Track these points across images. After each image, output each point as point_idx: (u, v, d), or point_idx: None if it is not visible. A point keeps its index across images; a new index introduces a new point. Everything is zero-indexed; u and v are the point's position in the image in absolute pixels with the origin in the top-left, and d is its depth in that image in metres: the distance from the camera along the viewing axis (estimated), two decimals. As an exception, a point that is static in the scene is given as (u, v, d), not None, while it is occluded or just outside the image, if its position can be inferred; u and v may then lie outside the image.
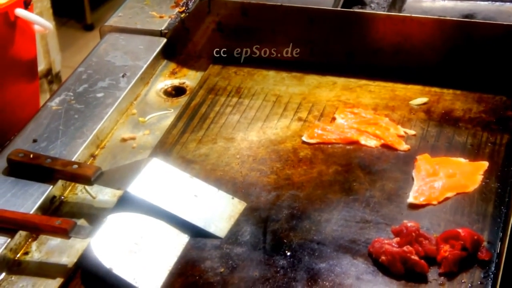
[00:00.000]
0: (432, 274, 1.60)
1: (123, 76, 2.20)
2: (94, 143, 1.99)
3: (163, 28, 2.39)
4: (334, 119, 2.08)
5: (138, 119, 2.14)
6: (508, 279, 1.56)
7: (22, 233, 1.70)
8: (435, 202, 1.78)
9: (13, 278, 1.64)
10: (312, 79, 2.27)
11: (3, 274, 1.64)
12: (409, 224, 1.66)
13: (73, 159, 1.88)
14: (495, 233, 1.68)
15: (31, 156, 1.85)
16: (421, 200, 1.78)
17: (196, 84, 2.27)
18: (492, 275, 1.58)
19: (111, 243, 1.65)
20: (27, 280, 1.63)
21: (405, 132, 2.01)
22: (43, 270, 1.66)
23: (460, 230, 1.62)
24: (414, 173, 1.86)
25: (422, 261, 1.60)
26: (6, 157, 1.86)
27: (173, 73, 2.33)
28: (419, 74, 2.21)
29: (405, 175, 1.87)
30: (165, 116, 2.15)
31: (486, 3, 2.33)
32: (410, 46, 2.22)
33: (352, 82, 2.24)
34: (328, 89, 2.22)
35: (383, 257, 1.62)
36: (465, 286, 1.57)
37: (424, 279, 1.59)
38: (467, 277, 1.59)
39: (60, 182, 1.84)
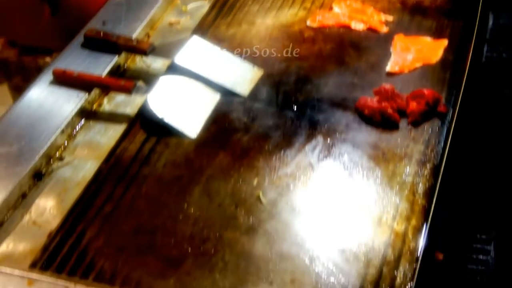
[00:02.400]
0: (403, 123, 1.61)
1: (170, -25, 2.15)
2: (148, 25, 1.97)
3: None
4: (331, 8, 2.04)
5: (182, 7, 2.11)
6: (459, 126, 1.56)
7: (96, 91, 1.72)
8: (406, 71, 1.77)
9: (91, 123, 1.67)
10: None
11: (84, 120, 1.67)
12: (386, 86, 1.65)
13: (133, 37, 1.87)
14: (450, 93, 1.68)
15: (102, 34, 1.83)
16: (396, 69, 1.77)
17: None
18: (447, 123, 1.59)
19: (162, 98, 1.66)
20: (101, 125, 1.67)
21: (386, 19, 1.97)
22: (112, 118, 1.69)
23: (424, 91, 1.62)
24: (391, 49, 1.84)
25: (396, 113, 1.61)
26: (83, 34, 1.85)
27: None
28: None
29: (384, 51, 1.84)
30: (202, 5, 2.11)
31: None
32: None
33: (346, -20, 2.18)
34: (327, -14, 2.16)
35: (366, 111, 1.63)
36: (427, 132, 1.58)
37: (396, 127, 1.60)
38: (429, 125, 1.60)
39: (123, 54, 1.84)
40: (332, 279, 1.28)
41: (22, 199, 1.47)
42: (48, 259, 1.34)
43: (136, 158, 1.56)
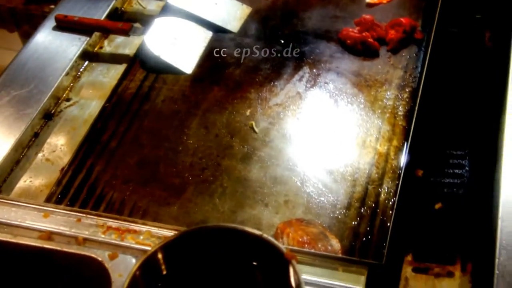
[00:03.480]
0: (382, 51, 1.52)
1: None
2: (142, -31, 1.83)
3: None
4: None
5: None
6: (435, 51, 1.47)
7: (96, 34, 1.61)
8: (385, 1, 1.66)
9: (93, 65, 1.57)
10: None
11: (87, 62, 1.57)
12: (366, 17, 1.55)
13: (128, -18, 1.74)
14: (426, 21, 1.57)
15: (98, -21, 1.70)
16: (375, 0, 1.65)
17: None
18: (423, 49, 1.51)
19: (158, 38, 1.56)
20: (103, 65, 1.57)
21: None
22: (113, 58, 1.59)
23: (402, 19, 1.52)
24: (371, -17, 1.72)
25: (376, 42, 1.52)
26: (81, -19, 1.72)
27: None
28: None
29: (364, -16, 1.72)
30: None
31: None
32: None
33: None
34: None
35: (348, 41, 1.53)
36: (405, 58, 1.50)
37: (377, 54, 1.52)
38: (407, 51, 1.51)
39: (120, -3, 1.72)
40: (322, 198, 1.23)
41: (34, 138, 1.40)
42: (62, 192, 1.28)
43: (137, 95, 1.48)
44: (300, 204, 1.22)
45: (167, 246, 0.98)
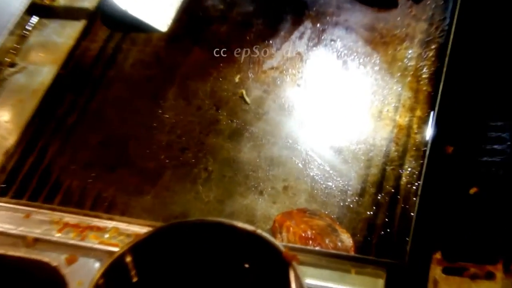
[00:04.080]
0: (402, -1, 1.49)
1: None
2: None
3: None
4: None
5: None
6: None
7: (48, -17, 1.58)
8: None
9: (44, 21, 1.56)
10: None
11: (36, 17, 1.56)
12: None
13: None
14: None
15: None
16: None
17: None
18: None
19: (125, -12, 1.53)
20: (57, 22, 1.56)
21: None
22: (69, 14, 1.57)
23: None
24: None
25: None
26: None
27: None
28: None
29: None
30: None
31: None
32: None
33: None
34: None
35: (359, -13, 1.49)
36: (430, 8, 1.46)
37: (395, 4, 1.47)
38: (432, -1, 1.48)
39: None
40: (329, 183, 1.20)
41: (-27, 114, 1.39)
42: (6, 181, 1.27)
43: (99, 58, 1.47)
44: (303, 190, 1.21)
45: (139, 246, 0.96)
